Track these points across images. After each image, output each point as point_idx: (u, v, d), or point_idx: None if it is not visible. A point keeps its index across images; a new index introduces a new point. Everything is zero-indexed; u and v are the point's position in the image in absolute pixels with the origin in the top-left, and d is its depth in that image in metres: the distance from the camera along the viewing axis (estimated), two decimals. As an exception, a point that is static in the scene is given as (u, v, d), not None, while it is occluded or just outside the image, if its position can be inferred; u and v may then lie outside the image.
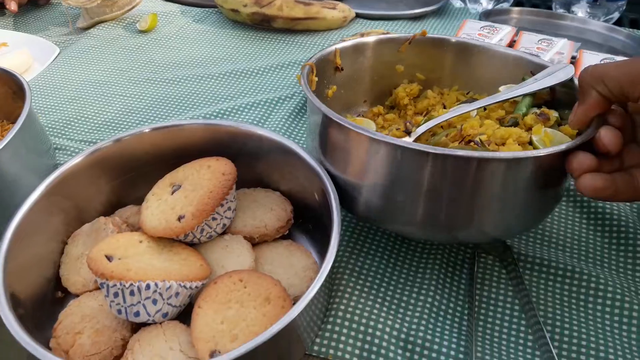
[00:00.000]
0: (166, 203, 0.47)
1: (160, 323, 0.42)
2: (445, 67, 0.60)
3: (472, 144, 0.46)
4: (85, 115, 0.71)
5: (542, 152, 0.40)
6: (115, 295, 0.40)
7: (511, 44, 0.73)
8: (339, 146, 0.45)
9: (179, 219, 0.45)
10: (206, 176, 0.48)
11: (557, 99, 0.52)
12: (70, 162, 0.48)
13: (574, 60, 0.69)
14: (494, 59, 0.57)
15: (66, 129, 0.68)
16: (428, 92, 0.59)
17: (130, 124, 0.70)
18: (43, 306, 0.46)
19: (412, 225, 0.44)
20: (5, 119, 0.67)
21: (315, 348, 0.43)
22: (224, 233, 0.49)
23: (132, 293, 0.40)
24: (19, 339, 0.36)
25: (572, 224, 0.54)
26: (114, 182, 0.53)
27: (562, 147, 0.40)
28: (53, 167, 0.61)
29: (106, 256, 0.41)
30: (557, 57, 0.65)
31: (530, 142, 0.46)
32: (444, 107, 0.56)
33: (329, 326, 0.44)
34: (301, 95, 0.73)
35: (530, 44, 0.66)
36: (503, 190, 0.41)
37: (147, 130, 0.52)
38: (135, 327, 0.43)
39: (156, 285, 0.40)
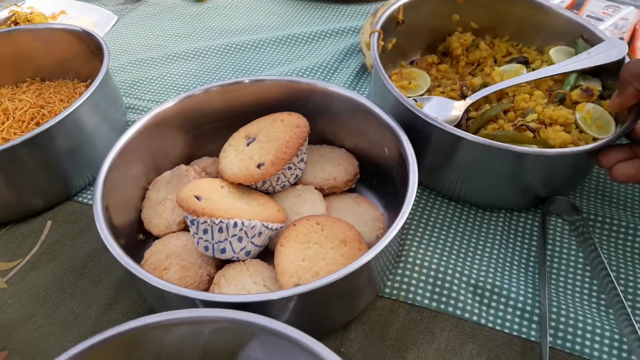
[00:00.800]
0: (243, 153, 0.50)
1: (243, 261, 0.45)
2: (499, 18, 0.63)
3: (526, 131, 0.50)
4: (150, 77, 0.74)
5: (579, 149, 0.46)
6: (205, 232, 0.43)
7: (575, 6, 0.74)
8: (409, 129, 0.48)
9: (259, 166, 0.48)
10: (280, 129, 0.51)
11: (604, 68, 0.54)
12: (147, 117, 0.51)
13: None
14: (547, 16, 0.60)
15: (133, 89, 0.71)
16: (480, 44, 0.63)
17: (194, 85, 0.72)
18: (129, 247, 0.50)
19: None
20: (75, 78, 0.70)
21: (387, 290, 0.46)
22: (295, 184, 0.52)
23: (220, 230, 0.43)
24: (124, 263, 0.39)
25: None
26: (187, 136, 0.55)
27: (598, 144, 0.46)
28: (125, 124, 0.64)
29: (195, 197, 0.44)
30: (621, 22, 0.65)
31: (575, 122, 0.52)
32: (495, 62, 0.61)
33: (400, 271, 0.46)
34: (357, 62, 0.74)
35: (596, 8, 0.67)
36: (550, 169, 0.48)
37: (216, 88, 0.54)
38: (219, 265, 0.46)
39: (242, 223, 0.43)
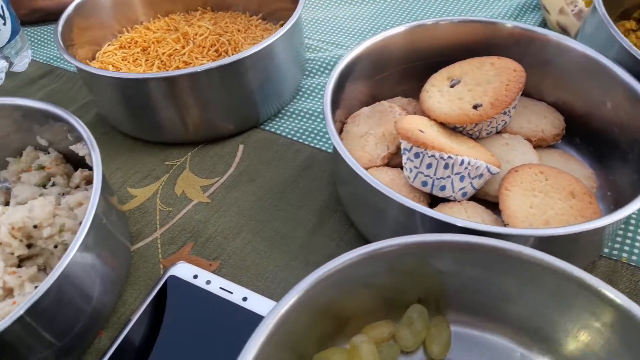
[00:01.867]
0: (449, 94, 0.48)
1: (460, 201, 0.44)
2: None
3: None
4: (325, 18, 0.73)
5: None
6: (429, 166, 0.42)
7: None
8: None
9: (475, 107, 0.46)
10: (491, 72, 0.48)
11: None
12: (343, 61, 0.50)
13: None
14: None
15: (309, 31, 0.71)
16: None
17: (375, 28, 0.71)
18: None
19: None
20: (246, 10, 0.70)
21: (606, 250, 0.43)
22: (499, 132, 0.49)
23: (446, 166, 0.41)
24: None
25: None
26: (374, 78, 0.54)
27: None
28: (305, 61, 0.64)
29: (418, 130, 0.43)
30: None
31: None
32: None
33: (621, 232, 0.44)
34: (535, 19, 0.70)
35: None
36: None
37: (402, 30, 0.52)
38: (430, 204, 0.45)
39: (469, 162, 0.41)
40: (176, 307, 0.41)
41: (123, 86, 0.52)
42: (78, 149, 0.45)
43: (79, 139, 0.44)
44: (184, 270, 0.43)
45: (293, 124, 0.56)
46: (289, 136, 0.55)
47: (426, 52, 0.53)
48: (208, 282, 0.42)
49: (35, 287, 0.38)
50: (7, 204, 0.51)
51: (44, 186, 0.48)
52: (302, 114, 0.57)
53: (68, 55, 0.53)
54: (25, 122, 0.48)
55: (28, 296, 0.37)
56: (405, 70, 0.54)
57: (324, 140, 0.54)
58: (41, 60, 0.71)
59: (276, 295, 0.42)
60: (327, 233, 0.46)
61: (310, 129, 0.55)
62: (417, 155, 0.42)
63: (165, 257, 0.45)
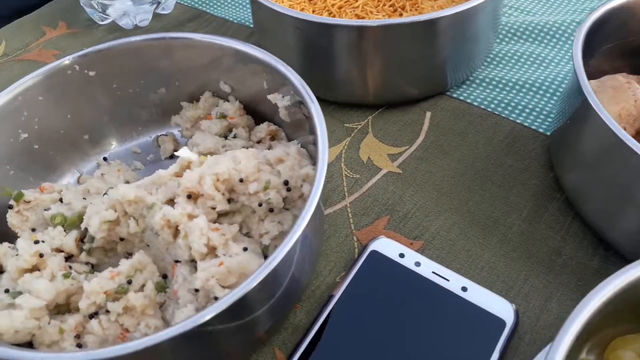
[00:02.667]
0: None
1: None
2: None
3: None
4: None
5: None
6: None
7: None
8: None
9: None
10: None
11: None
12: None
13: None
14: None
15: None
16: None
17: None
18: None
19: None
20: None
21: None
22: None
23: None
24: None
25: None
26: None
27: None
28: (499, 26, 0.56)
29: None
30: None
31: None
32: None
33: None
34: None
35: None
36: None
37: None
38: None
39: None
40: (380, 287, 0.36)
41: (307, 31, 0.47)
42: (276, 98, 0.41)
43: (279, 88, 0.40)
44: (387, 246, 0.38)
45: (485, 94, 0.50)
46: (482, 106, 0.48)
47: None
48: (417, 264, 0.37)
49: (245, 249, 0.35)
50: (174, 151, 0.47)
51: (225, 137, 0.44)
52: (494, 82, 0.50)
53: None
54: (214, 64, 0.44)
55: (236, 258, 0.34)
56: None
57: (524, 114, 0.47)
58: (186, 4, 0.67)
59: (495, 288, 0.36)
60: (547, 222, 0.39)
61: (506, 101, 0.48)
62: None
63: (358, 228, 0.40)
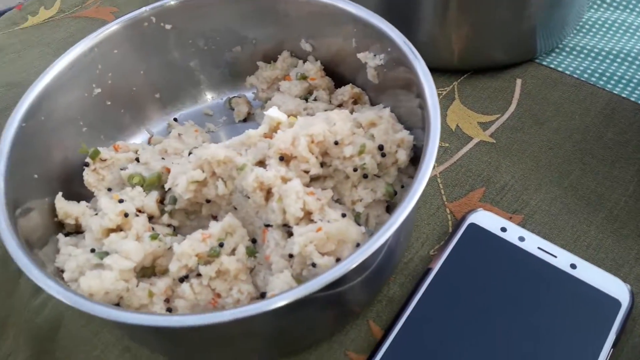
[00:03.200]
0: None
1: None
2: None
3: None
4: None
5: None
6: None
7: None
8: None
9: None
10: None
11: None
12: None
13: None
14: None
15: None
16: None
17: None
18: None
19: None
20: None
21: None
22: None
23: None
24: None
25: None
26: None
27: None
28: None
29: None
30: None
31: None
32: None
33: None
34: None
35: None
36: None
37: None
38: None
39: None
40: (480, 262, 0.34)
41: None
42: (367, 57, 0.38)
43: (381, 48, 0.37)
44: (486, 219, 0.36)
45: (576, 62, 0.46)
46: (575, 75, 0.45)
47: None
48: (521, 239, 0.35)
49: (343, 215, 0.32)
50: (248, 115, 0.45)
51: (306, 99, 0.42)
52: (585, 51, 0.47)
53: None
54: (297, 21, 0.41)
55: (335, 224, 0.32)
56: None
57: (621, 85, 0.44)
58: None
59: (604, 267, 0.34)
60: (660, 200, 0.37)
61: (600, 71, 0.45)
62: None
63: (450, 200, 0.38)
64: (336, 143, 0.34)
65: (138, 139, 0.43)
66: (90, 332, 0.35)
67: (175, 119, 0.44)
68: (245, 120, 0.45)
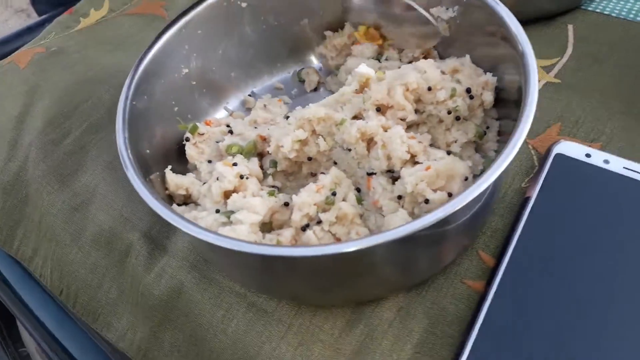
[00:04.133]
0: None
1: None
2: None
3: None
4: None
5: None
6: None
7: None
8: None
9: None
10: None
11: None
12: None
13: None
14: None
15: None
16: None
17: None
18: None
19: None
20: None
21: None
22: None
23: None
24: None
25: None
26: None
27: None
28: None
29: None
30: None
31: None
32: None
33: None
34: None
35: None
36: None
37: None
38: None
39: None
40: (572, 188, 0.36)
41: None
42: (440, 12, 0.40)
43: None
44: (570, 148, 0.38)
45: (620, 5, 0.49)
46: (621, 17, 0.48)
47: None
48: (606, 162, 0.37)
49: (448, 152, 0.35)
50: (317, 84, 0.47)
51: (378, 60, 0.44)
52: (627, -7, 0.50)
53: None
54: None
55: (442, 161, 0.34)
56: None
57: (667, 21, 0.47)
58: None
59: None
60: None
61: (644, 9, 0.48)
62: None
63: (530, 137, 0.40)
64: (429, 89, 0.36)
65: (218, 116, 0.45)
66: (211, 295, 0.37)
67: (250, 94, 0.47)
68: (315, 89, 0.47)
